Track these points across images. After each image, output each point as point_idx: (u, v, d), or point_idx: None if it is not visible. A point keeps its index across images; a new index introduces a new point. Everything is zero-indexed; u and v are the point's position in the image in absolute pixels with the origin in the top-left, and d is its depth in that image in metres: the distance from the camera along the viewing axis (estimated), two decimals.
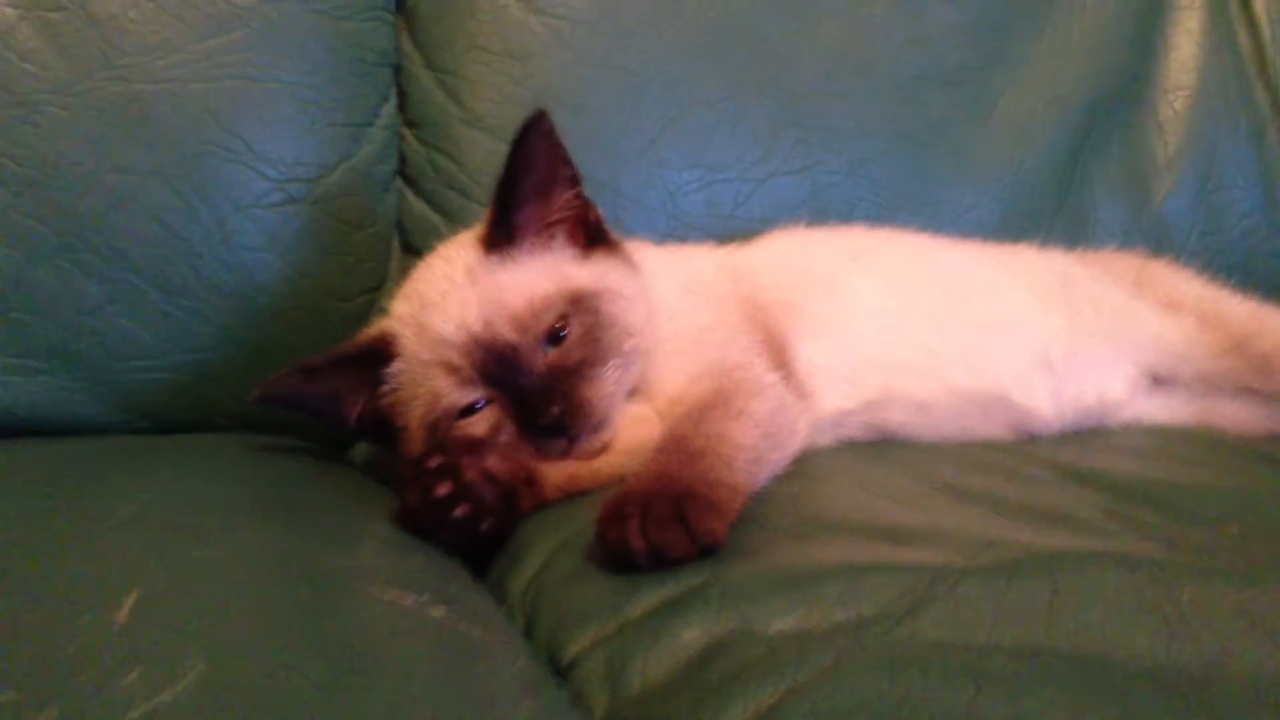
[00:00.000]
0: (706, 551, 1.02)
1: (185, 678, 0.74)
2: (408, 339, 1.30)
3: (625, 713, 0.89)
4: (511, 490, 1.20)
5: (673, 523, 1.02)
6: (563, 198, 1.34)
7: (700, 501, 1.04)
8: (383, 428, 1.33)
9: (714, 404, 1.25)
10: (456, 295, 1.29)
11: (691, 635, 0.93)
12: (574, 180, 1.35)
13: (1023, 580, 0.95)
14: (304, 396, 1.31)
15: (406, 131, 1.67)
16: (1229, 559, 1.02)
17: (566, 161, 1.33)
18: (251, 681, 0.75)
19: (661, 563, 1.01)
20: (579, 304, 1.29)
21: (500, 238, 1.31)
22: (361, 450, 1.61)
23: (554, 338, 1.28)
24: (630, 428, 1.31)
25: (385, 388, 1.31)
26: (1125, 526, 1.14)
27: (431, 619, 0.88)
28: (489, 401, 1.27)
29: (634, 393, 1.34)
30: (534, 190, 1.31)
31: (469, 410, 1.27)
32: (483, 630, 0.89)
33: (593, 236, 1.37)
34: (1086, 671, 0.84)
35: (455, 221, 1.63)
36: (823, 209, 1.78)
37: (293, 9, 1.52)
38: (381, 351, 1.31)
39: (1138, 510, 1.18)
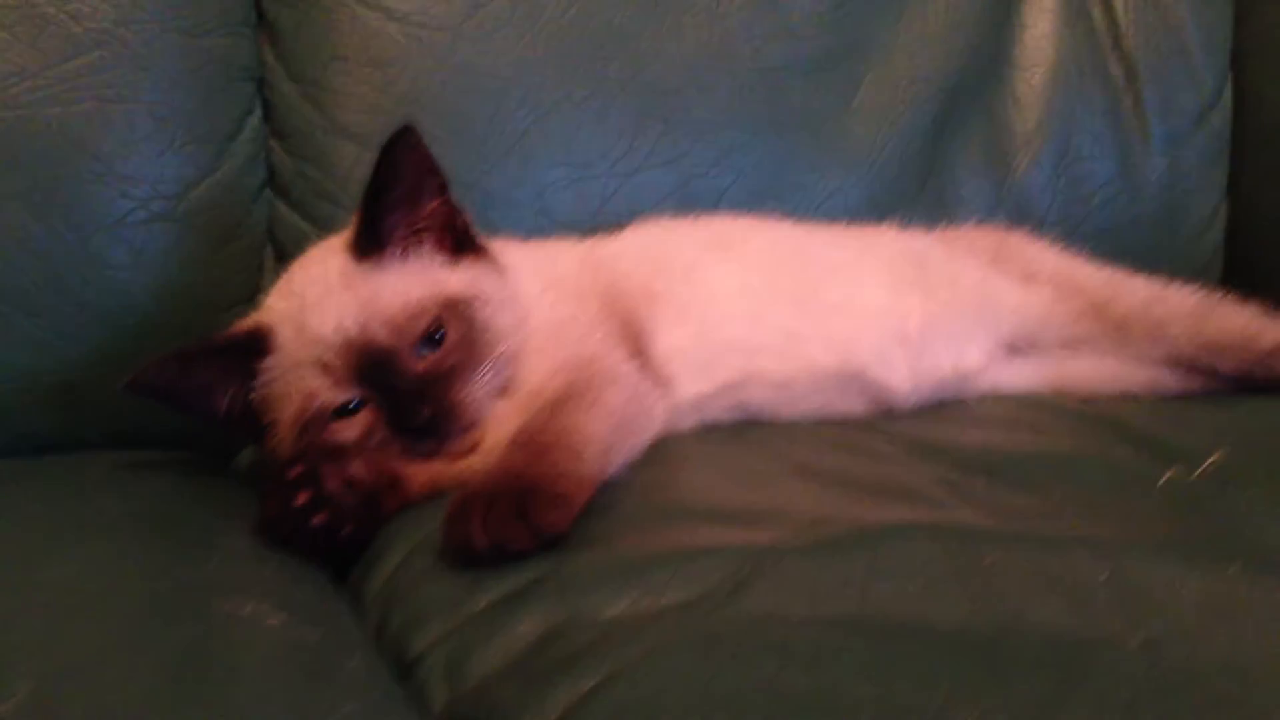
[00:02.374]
0: (549, 544, 1.05)
1: (12, 698, 0.76)
2: (285, 336, 1.31)
3: (462, 705, 0.92)
4: (374, 495, 1.23)
5: (514, 518, 1.05)
6: (430, 206, 1.35)
7: (543, 495, 1.07)
8: (250, 421, 1.34)
9: (568, 397, 1.28)
10: (334, 298, 1.30)
11: (527, 626, 0.96)
12: (442, 188, 1.36)
13: (844, 555, 0.99)
14: (176, 386, 1.30)
15: (274, 143, 1.67)
16: (1042, 524, 1.07)
17: (434, 171, 1.35)
18: (79, 697, 0.77)
19: (505, 557, 1.04)
20: (453, 310, 1.32)
21: (369, 245, 1.32)
22: (244, 460, 1.62)
23: (429, 342, 1.30)
24: (494, 426, 1.33)
25: (258, 381, 1.32)
26: (956, 497, 1.18)
27: (268, 626, 0.91)
28: (363, 402, 1.29)
29: (501, 392, 1.36)
30: (401, 200, 1.32)
31: (342, 411, 1.29)
32: (320, 634, 0.92)
33: (461, 241, 1.39)
34: (891, 639, 0.88)
35: (327, 230, 1.62)
36: (691, 200, 1.81)
37: (149, 29, 1.52)
38: (257, 344, 1.32)
39: (972, 480, 1.23)
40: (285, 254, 1.66)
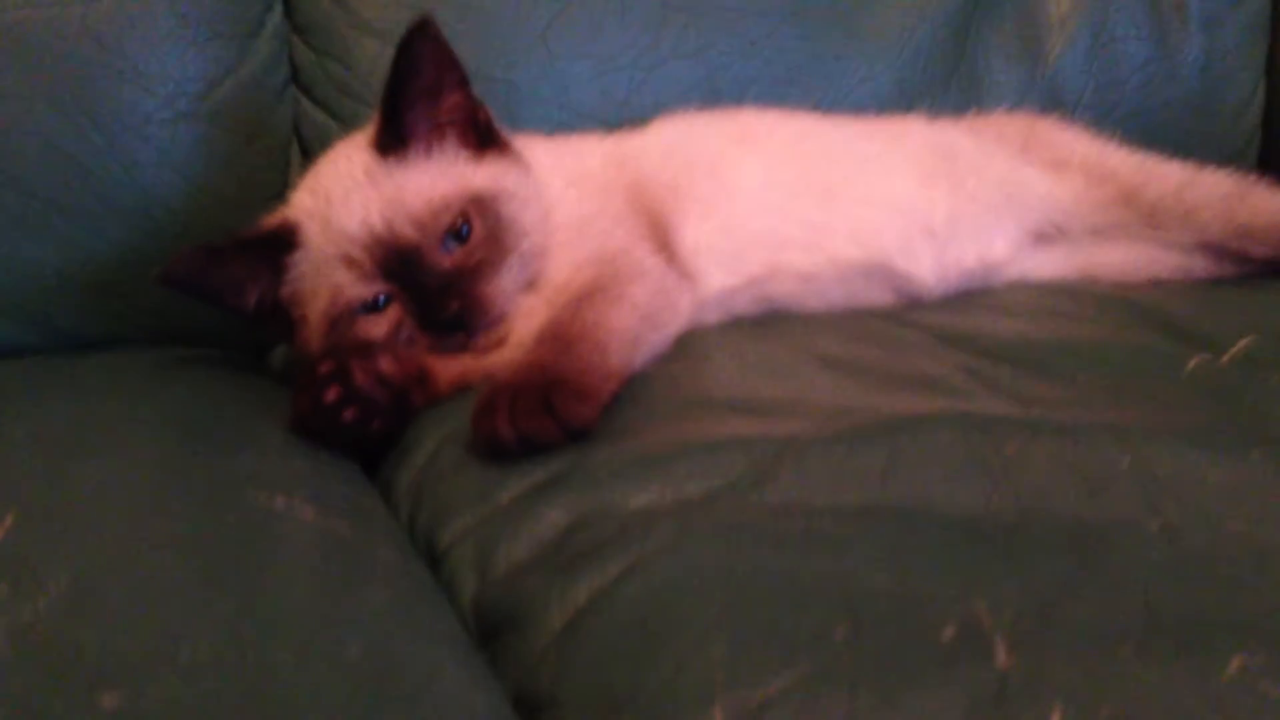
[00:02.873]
0: (576, 436, 1.06)
1: (50, 590, 0.78)
2: (312, 232, 1.31)
3: (490, 594, 0.94)
4: (403, 389, 1.24)
5: (540, 411, 1.06)
6: (451, 100, 1.34)
7: (569, 389, 1.08)
8: (280, 317, 1.35)
9: (593, 291, 1.28)
10: (359, 194, 1.30)
11: (554, 516, 0.97)
12: (462, 82, 1.35)
13: (865, 445, 0.99)
14: (205, 279, 1.32)
15: (296, 39, 1.65)
16: (1066, 411, 1.07)
17: (454, 64, 1.33)
18: (117, 590, 0.79)
19: (532, 449, 1.05)
20: (479, 205, 1.31)
21: (392, 141, 1.32)
22: (279, 357, 1.63)
23: (455, 237, 1.30)
24: (522, 320, 1.33)
25: (287, 276, 1.32)
26: (981, 385, 1.18)
27: (301, 519, 0.92)
28: (390, 297, 1.30)
29: (528, 286, 1.36)
30: (421, 95, 1.31)
31: (370, 306, 1.30)
32: (350, 525, 0.93)
33: (484, 137, 1.38)
34: (910, 526, 0.89)
35: (351, 126, 1.61)
36: (716, 91, 1.78)
37: None
38: (285, 239, 1.32)
39: (997, 368, 1.23)
40: (310, 150, 1.65)
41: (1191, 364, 1.19)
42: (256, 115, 1.59)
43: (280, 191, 1.61)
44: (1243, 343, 1.23)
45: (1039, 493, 0.91)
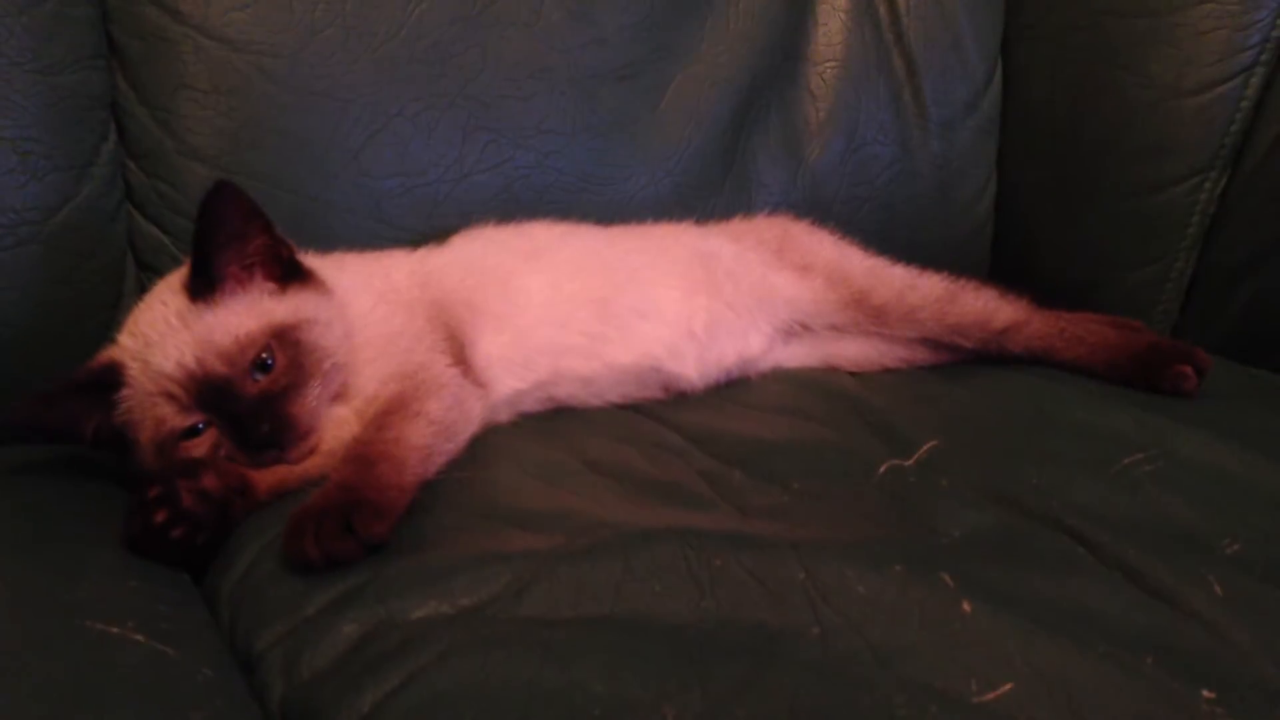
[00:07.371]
0: (374, 550, 1.23)
1: None
2: (134, 371, 1.44)
3: (293, 702, 1.09)
4: (226, 502, 1.38)
5: (342, 532, 1.21)
6: (255, 244, 1.47)
7: (368, 509, 1.24)
8: (117, 441, 1.47)
9: (395, 408, 1.45)
10: (174, 337, 1.43)
11: (349, 628, 1.13)
12: (265, 228, 1.48)
13: (606, 560, 1.17)
14: (42, 421, 1.45)
15: (130, 163, 1.78)
16: (772, 522, 1.28)
17: (255, 213, 1.47)
18: None
19: (336, 565, 1.21)
20: (281, 336, 1.45)
21: (202, 286, 1.45)
22: None
23: (261, 367, 1.44)
24: (332, 430, 1.49)
25: (117, 411, 1.45)
26: (715, 492, 1.39)
27: (133, 644, 1.07)
28: (207, 424, 1.43)
29: (337, 398, 1.52)
30: (226, 244, 1.44)
31: (190, 432, 1.44)
32: (176, 649, 1.08)
33: (288, 271, 1.52)
34: (631, 638, 1.07)
35: (179, 239, 1.77)
36: (515, 200, 1.96)
37: (7, 72, 1.62)
38: (111, 379, 1.45)
39: (731, 473, 1.44)
40: (144, 263, 1.79)
41: (883, 468, 1.43)
42: (93, 235, 1.72)
43: (117, 301, 1.75)
44: (927, 446, 1.47)
45: (734, 602, 1.11)
